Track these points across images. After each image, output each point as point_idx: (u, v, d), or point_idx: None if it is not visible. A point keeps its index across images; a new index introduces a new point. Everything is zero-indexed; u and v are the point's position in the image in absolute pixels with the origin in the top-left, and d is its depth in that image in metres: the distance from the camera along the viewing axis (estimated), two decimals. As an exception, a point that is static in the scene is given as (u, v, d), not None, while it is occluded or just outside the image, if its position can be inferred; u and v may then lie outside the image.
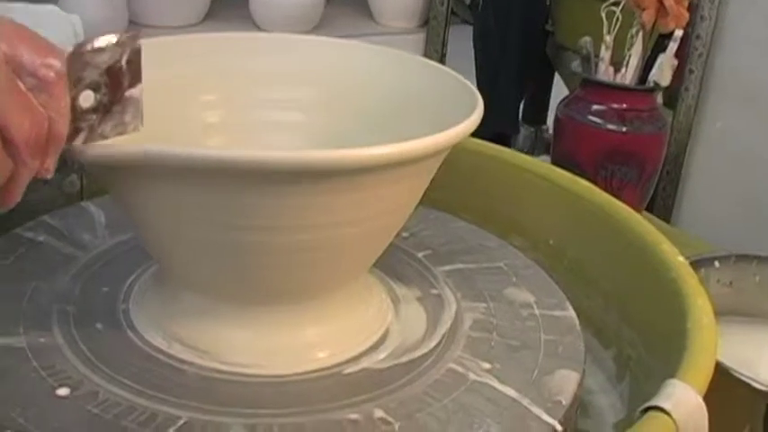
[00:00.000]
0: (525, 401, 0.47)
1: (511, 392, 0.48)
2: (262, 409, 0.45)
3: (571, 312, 0.56)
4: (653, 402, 0.43)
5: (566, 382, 0.49)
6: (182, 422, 0.44)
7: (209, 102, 0.58)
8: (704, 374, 0.45)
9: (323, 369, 0.49)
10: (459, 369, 0.50)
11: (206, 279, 0.49)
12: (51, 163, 0.40)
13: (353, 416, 0.45)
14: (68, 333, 0.50)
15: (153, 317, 0.51)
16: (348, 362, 0.50)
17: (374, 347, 0.51)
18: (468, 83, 0.53)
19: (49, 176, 0.41)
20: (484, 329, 0.54)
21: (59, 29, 0.66)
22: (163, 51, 0.56)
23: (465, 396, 0.48)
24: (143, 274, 0.55)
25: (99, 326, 0.50)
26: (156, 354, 0.49)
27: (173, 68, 0.56)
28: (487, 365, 0.50)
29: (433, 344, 0.52)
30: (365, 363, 0.50)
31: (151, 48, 0.56)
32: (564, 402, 0.47)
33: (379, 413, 0.46)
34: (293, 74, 0.59)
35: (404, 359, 0.50)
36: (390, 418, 0.45)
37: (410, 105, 0.55)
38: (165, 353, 0.49)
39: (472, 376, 0.49)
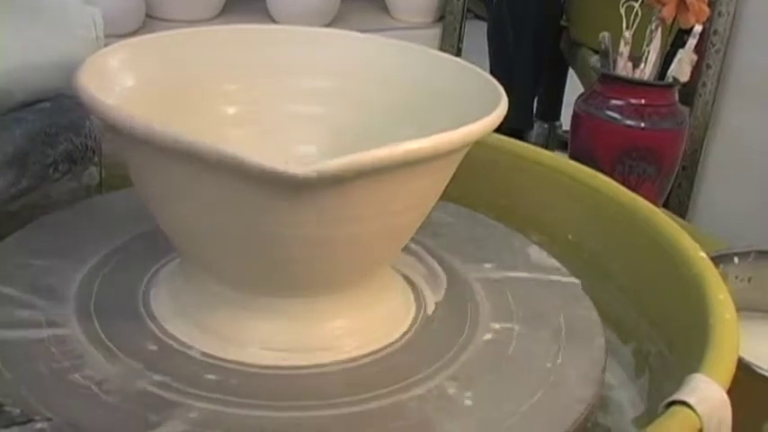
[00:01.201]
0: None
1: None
2: (378, 390, 0.46)
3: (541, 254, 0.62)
4: (677, 396, 0.43)
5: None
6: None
7: (231, 93, 0.58)
8: (728, 369, 0.45)
9: (393, 343, 0.51)
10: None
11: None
12: None
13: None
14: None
15: (190, 327, 0.49)
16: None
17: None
18: (492, 78, 0.52)
19: None
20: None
21: (80, 20, 0.66)
22: (183, 43, 0.57)
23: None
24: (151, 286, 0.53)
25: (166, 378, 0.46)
26: (238, 365, 0.47)
27: (193, 60, 0.56)
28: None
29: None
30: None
31: (171, 39, 0.57)
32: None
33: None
34: (316, 66, 0.59)
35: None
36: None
37: (433, 100, 0.55)
38: (246, 363, 0.47)
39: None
